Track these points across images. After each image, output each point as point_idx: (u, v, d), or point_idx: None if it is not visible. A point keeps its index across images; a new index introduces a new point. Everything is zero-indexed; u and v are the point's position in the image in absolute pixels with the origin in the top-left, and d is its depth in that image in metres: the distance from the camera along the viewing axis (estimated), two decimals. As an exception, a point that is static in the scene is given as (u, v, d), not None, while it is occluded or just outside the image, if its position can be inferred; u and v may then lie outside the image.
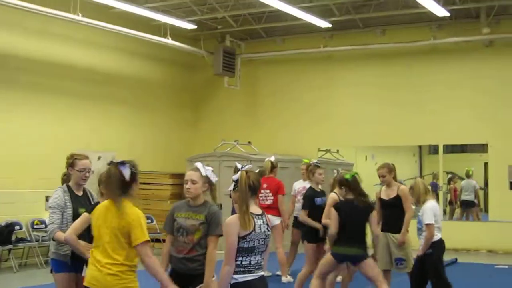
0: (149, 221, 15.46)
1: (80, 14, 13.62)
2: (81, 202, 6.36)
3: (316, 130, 17.39)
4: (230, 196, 10.67)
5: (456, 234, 15.26)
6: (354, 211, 7.77)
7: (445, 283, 8.06)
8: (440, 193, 16.30)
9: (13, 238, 12.83)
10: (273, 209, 10.92)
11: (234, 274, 5.15)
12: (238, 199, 5.25)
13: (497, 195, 15.65)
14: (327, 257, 8.01)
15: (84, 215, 5.95)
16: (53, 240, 6.20)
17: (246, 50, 18.32)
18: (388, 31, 16.71)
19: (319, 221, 9.04)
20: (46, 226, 13.34)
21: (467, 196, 16.62)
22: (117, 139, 16.18)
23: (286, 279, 10.78)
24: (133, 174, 5.29)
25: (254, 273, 5.20)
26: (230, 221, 5.21)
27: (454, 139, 16.33)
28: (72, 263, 6.18)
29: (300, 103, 17.74)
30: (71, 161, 6.44)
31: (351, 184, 7.83)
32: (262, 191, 11.04)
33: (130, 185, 5.24)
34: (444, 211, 16.40)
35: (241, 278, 5.13)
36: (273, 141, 17.64)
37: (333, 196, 8.52)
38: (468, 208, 16.63)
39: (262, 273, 5.28)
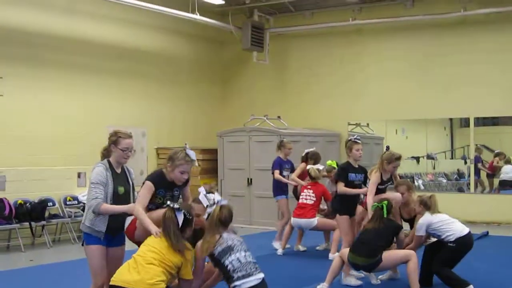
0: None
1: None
2: (120, 180, 6.37)
3: (346, 104, 17.33)
4: (273, 173, 10.80)
5: (486, 208, 15.19)
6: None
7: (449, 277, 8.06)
8: (471, 166, 16.18)
9: (46, 214, 13.00)
10: (309, 211, 10.92)
11: (235, 281, 5.34)
12: (206, 229, 5.59)
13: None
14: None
15: (148, 184, 6.26)
16: (98, 214, 6.20)
17: (274, 25, 18.24)
18: (417, 3, 16.52)
19: (350, 199, 9.00)
20: (78, 203, 13.53)
21: (507, 175, 16.34)
22: (147, 115, 16.28)
23: (333, 256, 10.63)
24: (187, 221, 5.66)
25: (254, 275, 5.38)
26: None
27: (485, 111, 16.16)
28: (104, 238, 6.28)
29: (329, 77, 17.67)
30: (115, 139, 6.40)
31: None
32: (304, 190, 11.14)
33: (184, 230, 5.62)
34: (476, 184, 16.28)
35: (244, 283, 5.27)
36: (303, 115, 17.62)
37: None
38: (505, 187, 16.37)
39: (263, 275, 5.46)
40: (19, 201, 12.65)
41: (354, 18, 16.94)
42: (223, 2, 16.01)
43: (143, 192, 6.27)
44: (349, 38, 17.49)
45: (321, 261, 10.54)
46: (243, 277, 5.29)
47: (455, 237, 7.99)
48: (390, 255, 7.87)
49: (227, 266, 5.33)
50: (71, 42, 14.45)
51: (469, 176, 16.35)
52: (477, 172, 16.41)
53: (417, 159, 16.67)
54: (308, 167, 11.44)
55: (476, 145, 16.51)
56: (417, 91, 16.49)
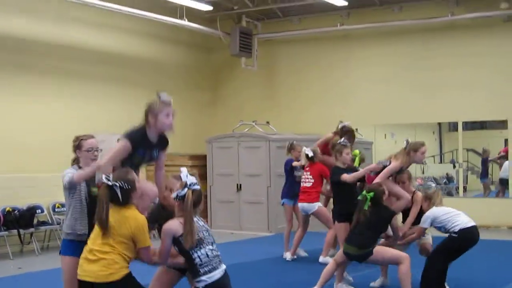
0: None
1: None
2: (93, 181, 6.17)
3: (334, 109, 17.35)
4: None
5: (476, 211, 15.20)
6: None
7: (434, 272, 8.00)
8: (460, 170, 16.22)
9: (35, 221, 12.94)
10: (310, 194, 10.81)
11: (201, 276, 5.23)
12: (184, 218, 5.32)
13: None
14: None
15: (125, 143, 5.90)
16: (72, 184, 6.13)
17: (262, 30, 18.26)
18: (405, 8, 16.59)
19: (348, 199, 8.77)
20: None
21: (503, 173, 16.36)
22: (135, 121, 16.19)
23: (323, 259, 10.57)
24: (126, 192, 5.30)
25: (218, 268, 5.29)
26: (173, 225, 5.36)
27: (473, 116, 16.22)
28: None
29: (318, 82, 17.70)
30: (77, 143, 6.44)
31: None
32: (304, 173, 10.99)
33: (127, 201, 5.31)
34: (464, 188, 16.33)
35: (209, 278, 5.21)
36: (292, 120, 17.64)
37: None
38: (503, 185, 16.40)
39: (225, 266, 5.36)
40: (8, 209, 12.58)
41: (342, 24, 16.99)
42: (211, 8, 16.01)
43: (118, 150, 5.88)
44: (337, 43, 17.54)
45: (313, 265, 10.53)
46: (209, 271, 5.24)
47: (459, 228, 7.90)
48: (383, 250, 7.86)
49: (194, 259, 5.24)
50: (60, 48, 14.41)
51: (458, 180, 16.40)
52: (485, 174, 16.41)
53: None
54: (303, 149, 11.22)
55: (483, 148, 16.58)
56: (406, 95, 16.54)
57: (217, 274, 5.24)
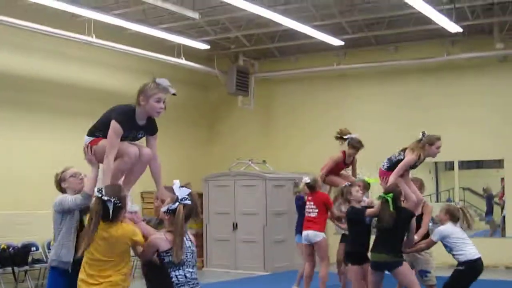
0: (165, 241, 15.45)
1: (94, 36, 13.75)
2: (85, 209, 6.12)
3: (330, 148, 17.23)
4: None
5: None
6: None
7: None
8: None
9: (30, 259, 12.87)
10: (316, 223, 10.68)
11: None
12: (174, 232, 5.25)
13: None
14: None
15: (115, 126, 5.81)
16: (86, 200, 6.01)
17: (259, 69, 18.37)
18: (400, 48, 16.72)
19: (362, 240, 8.72)
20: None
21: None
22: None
23: None
24: (116, 209, 5.26)
25: None
26: (158, 240, 5.31)
27: (469, 155, 16.23)
28: (73, 271, 5.93)
29: (314, 121, 17.74)
30: (60, 177, 6.49)
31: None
32: (307, 203, 10.86)
33: (117, 217, 5.26)
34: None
35: None
36: (288, 159, 17.63)
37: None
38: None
39: None
40: (2, 246, 12.53)
41: (339, 63, 17.10)
42: (209, 47, 16.11)
43: (112, 137, 5.73)
44: (333, 82, 17.63)
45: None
46: None
47: (465, 259, 7.89)
48: (408, 271, 7.93)
49: (171, 277, 5.19)
50: (58, 86, 14.47)
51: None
52: (490, 212, 16.30)
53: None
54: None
55: (483, 187, 16.55)
56: (402, 134, 16.49)
57: None
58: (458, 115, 16.00)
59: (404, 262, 7.84)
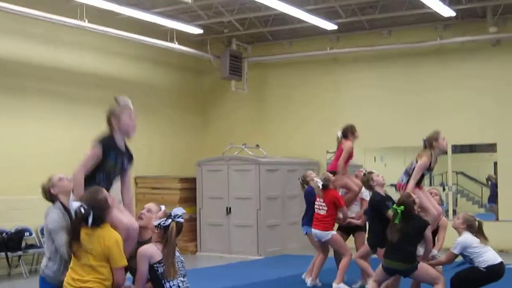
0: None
1: (86, 21, 13.70)
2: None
3: (324, 133, 17.35)
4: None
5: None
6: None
7: None
8: (450, 193, 16.24)
9: (23, 244, 12.87)
10: (324, 222, 10.60)
11: None
12: (167, 248, 5.35)
13: (507, 195, 15.58)
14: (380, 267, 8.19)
15: (95, 145, 5.93)
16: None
17: (252, 54, 18.33)
18: (394, 32, 16.70)
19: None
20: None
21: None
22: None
23: (337, 285, 10.36)
24: (97, 213, 5.31)
25: None
26: (151, 250, 5.42)
27: (462, 139, 16.25)
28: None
29: (307, 105, 17.74)
30: (48, 186, 6.42)
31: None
32: (318, 199, 10.77)
33: (97, 224, 5.29)
34: (454, 211, 16.34)
35: None
36: (282, 143, 17.65)
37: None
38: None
39: None
40: (-4, 231, 12.52)
41: (332, 47, 17.08)
42: (202, 32, 16.07)
43: (90, 155, 5.89)
44: (327, 66, 17.61)
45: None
46: None
47: (487, 264, 7.89)
48: (426, 267, 7.96)
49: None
50: (50, 71, 14.40)
51: (448, 203, 16.42)
52: (493, 198, 16.31)
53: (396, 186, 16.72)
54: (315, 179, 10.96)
55: (489, 175, 16.58)
56: (395, 119, 16.59)
57: None
58: (452, 99, 16.00)
59: (419, 264, 7.91)
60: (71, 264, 5.32)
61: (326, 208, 10.56)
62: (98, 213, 5.28)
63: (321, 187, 10.56)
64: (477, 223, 8.16)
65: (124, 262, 5.28)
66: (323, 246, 10.95)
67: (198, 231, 16.18)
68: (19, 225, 12.98)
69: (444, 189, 16.55)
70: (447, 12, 14.28)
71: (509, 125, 15.45)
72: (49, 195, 6.37)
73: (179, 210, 5.53)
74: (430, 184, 17.43)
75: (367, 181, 9.38)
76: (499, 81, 15.62)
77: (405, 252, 7.85)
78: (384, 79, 16.87)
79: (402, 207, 7.85)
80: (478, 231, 8.11)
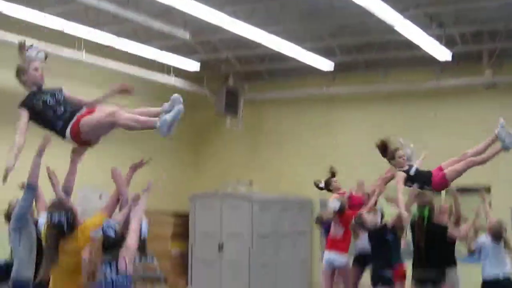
0: (150, 261, 15.36)
1: (84, 52, 13.74)
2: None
3: (318, 171, 17.10)
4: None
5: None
6: None
7: None
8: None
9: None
10: (341, 243, 10.39)
11: None
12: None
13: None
14: None
15: (21, 111, 6.02)
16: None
17: (249, 91, 18.32)
18: (390, 73, 16.73)
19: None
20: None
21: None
22: (110, 179, 16.06)
23: None
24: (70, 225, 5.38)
25: None
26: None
27: (456, 180, 16.17)
28: None
29: (302, 144, 17.71)
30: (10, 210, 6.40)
31: None
32: (333, 224, 10.55)
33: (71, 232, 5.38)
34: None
35: None
36: (276, 181, 17.58)
37: None
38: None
39: None
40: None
41: (328, 86, 17.11)
42: (198, 70, 16.08)
43: (22, 122, 6.09)
44: (323, 105, 17.61)
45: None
46: None
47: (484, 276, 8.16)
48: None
49: None
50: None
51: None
52: None
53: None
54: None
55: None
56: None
57: None
58: (446, 140, 15.91)
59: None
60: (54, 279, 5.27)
61: (343, 230, 10.35)
62: (71, 217, 5.40)
63: (337, 208, 10.36)
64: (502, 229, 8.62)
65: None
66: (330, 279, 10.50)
67: (189, 267, 16.05)
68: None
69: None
70: (443, 56, 14.35)
71: (503, 168, 15.36)
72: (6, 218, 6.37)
73: (112, 224, 5.41)
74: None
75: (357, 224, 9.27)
76: (492, 125, 15.55)
77: (435, 257, 8.18)
78: (380, 119, 16.79)
79: (427, 210, 7.96)
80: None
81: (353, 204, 10.61)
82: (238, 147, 18.56)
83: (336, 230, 10.47)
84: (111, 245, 5.31)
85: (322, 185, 10.75)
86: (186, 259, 16.17)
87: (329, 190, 10.86)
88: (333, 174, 10.83)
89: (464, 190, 17.05)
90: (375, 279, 8.97)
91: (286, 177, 17.66)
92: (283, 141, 18.02)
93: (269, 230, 15.72)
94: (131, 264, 5.26)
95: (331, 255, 10.41)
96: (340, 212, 10.44)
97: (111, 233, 5.33)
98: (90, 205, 15.49)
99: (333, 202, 10.50)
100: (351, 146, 17.06)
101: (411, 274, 8.46)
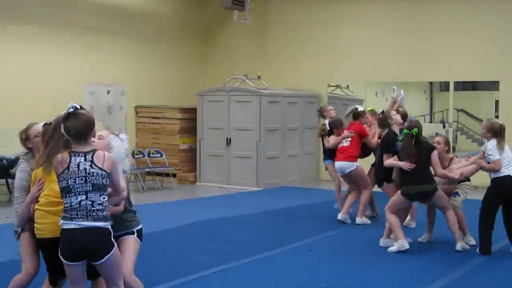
0: (158, 155, 15.55)
1: None
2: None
3: (326, 66, 17.26)
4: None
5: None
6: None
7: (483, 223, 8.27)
8: (450, 130, 16.23)
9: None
10: (348, 153, 10.44)
11: (61, 218, 4.86)
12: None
13: (507, 133, 15.52)
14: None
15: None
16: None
17: (256, -16, 18.05)
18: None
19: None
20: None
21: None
22: (126, 73, 16.14)
23: (360, 220, 10.43)
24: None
25: (76, 220, 4.77)
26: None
27: (465, 76, 16.17)
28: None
29: (310, 37, 17.55)
30: (24, 136, 6.14)
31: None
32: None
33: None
34: (453, 148, 16.37)
35: (64, 224, 4.81)
36: (283, 75, 17.55)
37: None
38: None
39: (94, 224, 4.78)
40: (-4, 158, 12.55)
41: (337, -21, 16.83)
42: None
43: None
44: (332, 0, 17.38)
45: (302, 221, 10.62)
46: (65, 218, 4.81)
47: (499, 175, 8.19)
48: (442, 193, 8.42)
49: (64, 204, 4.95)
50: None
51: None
52: None
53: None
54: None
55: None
56: (398, 54, 16.44)
57: (70, 224, 4.77)
58: (455, 35, 15.80)
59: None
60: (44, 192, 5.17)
61: (349, 139, 10.51)
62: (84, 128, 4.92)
63: (360, 108, 10.75)
64: (501, 127, 8.60)
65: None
66: (350, 182, 10.77)
67: (198, 162, 16.24)
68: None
69: (444, 126, 16.55)
70: None
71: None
72: (24, 144, 6.20)
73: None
74: (430, 121, 17.46)
75: (385, 119, 9.28)
76: (504, 17, 15.38)
77: (428, 174, 8.34)
78: (389, 14, 16.60)
79: (415, 129, 8.18)
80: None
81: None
82: (246, 41, 18.41)
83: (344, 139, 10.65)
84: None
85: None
86: (194, 154, 16.35)
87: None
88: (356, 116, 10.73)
89: (473, 86, 17.20)
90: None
91: (294, 71, 17.60)
92: (291, 35, 17.85)
93: (277, 125, 15.79)
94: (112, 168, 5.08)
95: (341, 164, 10.54)
96: (355, 117, 10.70)
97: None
98: (100, 101, 15.59)
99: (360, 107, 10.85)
100: (360, 40, 16.90)
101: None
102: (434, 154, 8.35)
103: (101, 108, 15.42)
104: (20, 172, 6.03)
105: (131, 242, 5.41)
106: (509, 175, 8.14)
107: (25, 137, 6.15)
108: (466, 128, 17.53)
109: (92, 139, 5.06)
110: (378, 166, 9.35)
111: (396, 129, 9.15)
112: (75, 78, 14.55)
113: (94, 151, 4.88)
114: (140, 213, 5.63)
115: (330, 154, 10.90)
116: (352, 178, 10.63)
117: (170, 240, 9.22)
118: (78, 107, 4.96)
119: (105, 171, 4.84)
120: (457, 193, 8.90)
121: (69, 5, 14.63)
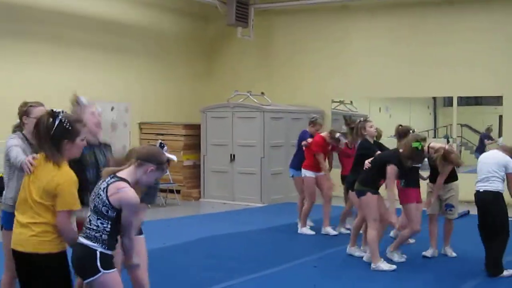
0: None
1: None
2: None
3: (329, 81, 17.29)
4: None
5: (468, 186, 15.23)
6: None
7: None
8: (454, 146, 16.18)
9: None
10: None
11: None
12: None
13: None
14: None
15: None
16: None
17: (259, 0, 18.10)
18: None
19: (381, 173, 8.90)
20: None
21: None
22: (130, 90, 16.18)
23: (325, 229, 10.86)
24: (63, 130, 4.74)
25: (80, 233, 4.77)
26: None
27: (468, 91, 16.18)
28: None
29: (314, 54, 17.59)
30: (25, 109, 6.03)
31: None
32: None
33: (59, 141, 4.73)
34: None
35: None
36: (287, 92, 17.57)
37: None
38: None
39: (83, 241, 4.66)
40: None
41: (341, -6, 16.89)
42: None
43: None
44: (335, 15, 17.40)
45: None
46: None
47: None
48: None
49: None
50: (55, 14, 14.30)
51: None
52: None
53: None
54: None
55: (488, 126, 16.58)
56: (402, 69, 16.47)
57: None
58: (459, 50, 15.84)
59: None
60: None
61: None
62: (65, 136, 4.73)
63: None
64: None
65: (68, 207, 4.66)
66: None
67: (202, 178, 16.24)
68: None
69: (448, 142, 16.52)
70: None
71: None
72: (20, 117, 6.08)
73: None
74: (434, 136, 17.44)
75: (360, 128, 9.28)
76: (508, 33, 15.42)
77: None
78: (393, 28, 16.64)
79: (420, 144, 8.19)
80: None
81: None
82: (249, 57, 18.46)
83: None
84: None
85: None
86: (198, 170, 16.35)
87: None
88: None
89: (477, 101, 17.19)
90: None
91: (298, 87, 17.63)
92: (295, 51, 17.90)
93: (281, 141, 15.79)
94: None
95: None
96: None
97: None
98: (104, 118, 15.59)
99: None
100: (364, 55, 16.93)
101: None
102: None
103: (105, 125, 15.42)
104: (11, 138, 5.88)
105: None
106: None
107: (25, 110, 6.10)
108: (470, 143, 17.49)
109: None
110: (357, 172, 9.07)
111: (370, 139, 9.25)
112: (79, 94, 14.54)
113: (118, 179, 4.74)
114: (144, 230, 5.62)
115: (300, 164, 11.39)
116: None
117: (174, 257, 9.21)
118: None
119: (108, 202, 4.67)
120: (452, 206, 8.90)
121: (74, 22, 14.69)
